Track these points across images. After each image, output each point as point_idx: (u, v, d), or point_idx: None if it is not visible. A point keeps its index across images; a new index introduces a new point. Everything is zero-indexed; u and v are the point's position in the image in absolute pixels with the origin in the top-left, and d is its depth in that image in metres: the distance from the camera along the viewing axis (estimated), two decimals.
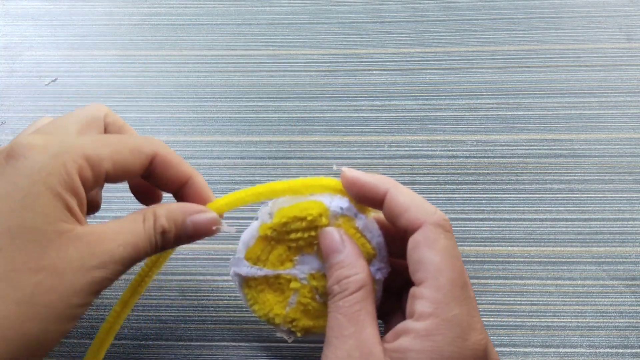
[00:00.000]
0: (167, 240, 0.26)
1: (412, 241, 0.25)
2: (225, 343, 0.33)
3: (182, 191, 0.28)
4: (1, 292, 0.21)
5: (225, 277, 0.35)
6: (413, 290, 0.25)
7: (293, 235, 0.27)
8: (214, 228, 0.27)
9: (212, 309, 0.34)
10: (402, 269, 0.28)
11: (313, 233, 0.27)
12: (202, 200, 0.28)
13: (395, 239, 0.28)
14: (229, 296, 0.35)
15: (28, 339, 0.21)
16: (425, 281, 0.24)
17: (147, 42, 0.46)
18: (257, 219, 0.28)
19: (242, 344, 0.33)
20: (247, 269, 0.28)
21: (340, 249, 0.26)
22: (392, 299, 0.29)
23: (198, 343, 0.33)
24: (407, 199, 0.26)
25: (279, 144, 0.41)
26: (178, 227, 0.26)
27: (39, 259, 0.22)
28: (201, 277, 0.35)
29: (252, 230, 0.28)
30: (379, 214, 0.28)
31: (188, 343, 0.33)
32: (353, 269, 0.26)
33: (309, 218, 0.27)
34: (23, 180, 0.22)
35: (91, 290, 0.23)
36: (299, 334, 0.29)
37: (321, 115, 0.42)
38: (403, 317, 0.27)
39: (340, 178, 0.27)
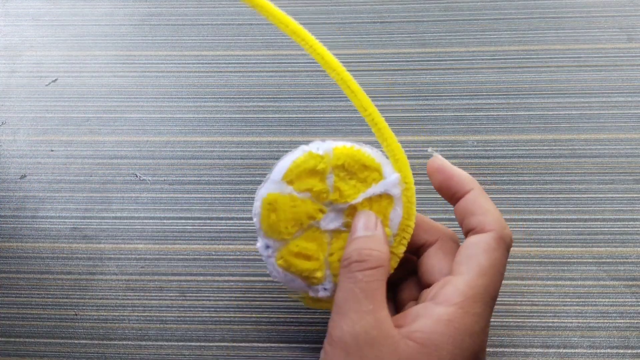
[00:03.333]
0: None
1: (474, 238, 0.26)
2: (226, 344, 0.33)
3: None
4: None
5: (226, 278, 0.35)
6: (448, 278, 0.25)
7: (338, 179, 0.27)
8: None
9: (213, 309, 0.34)
10: (404, 262, 0.29)
11: (362, 188, 0.27)
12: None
13: (413, 240, 0.29)
14: (229, 296, 0.35)
15: None
16: (464, 275, 0.25)
17: (147, 42, 0.46)
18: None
19: (243, 344, 0.33)
20: (281, 187, 0.28)
21: (372, 229, 0.27)
22: (388, 290, 0.30)
23: (198, 343, 0.33)
24: (488, 205, 0.27)
25: (279, 144, 0.41)
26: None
27: None
28: (201, 278, 0.35)
29: (292, 157, 0.28)
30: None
31: (188, 343, 0.33)
32: (378, 246, 0.26)
33: (366, 172, 0.27)
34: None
35: None
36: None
37: (321, 115, 0.42)
38: (394, 308, 0.29)
39: (428, 162, 0.28)
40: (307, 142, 0.35)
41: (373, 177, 0.28)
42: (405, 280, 0.30)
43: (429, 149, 0.29)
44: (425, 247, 0.29)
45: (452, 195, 0.28)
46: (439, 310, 0.24)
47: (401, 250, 0.28)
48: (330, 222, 0.28)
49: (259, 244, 0.28)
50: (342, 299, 0.25)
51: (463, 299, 0.24)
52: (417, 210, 0.28)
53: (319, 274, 0.28)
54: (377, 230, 0.27)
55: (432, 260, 0.28)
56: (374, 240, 0.26)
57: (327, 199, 0.28)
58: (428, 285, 0.27)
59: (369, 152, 0.28)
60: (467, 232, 0.27)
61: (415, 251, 0.29)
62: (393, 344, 0.23)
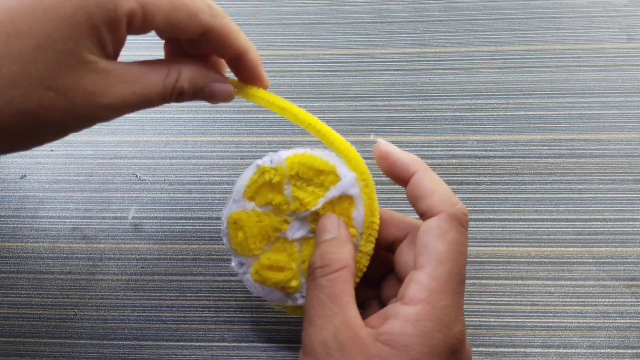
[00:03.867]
0: (180, 100, 0.26)
1: (425, 225, 0.25)
2: (226, 344, 0.33)
3: (233, 63, 0.28)
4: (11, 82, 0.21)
5: (226, 278, 0.35)
6: (411, 274, 0.25)
7: (295, 188, 0.28)
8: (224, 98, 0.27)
9: (212, 309, 0.34)
10: (383, 260, 0.29)
11: (321, 193, 0.28)
12: (251, 76, 0.28)
13: (383, 238, 0.29)
14: (229, 296, 0.35)
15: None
16: (424, 267, 0.24)
17: (147, 42, 0.46)
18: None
19: (243, 344, 0.33)
20: (245, 205, 0.28)
21: (335, 232, 0.27)
22: (370, 289, 0.30)
23: (198, 343, 0.33)
24: (433, 185, 0.26)
25: (279, 144, 0.41)
26: (196, 91, 0.26)
27: (55, 79, 0.22)
28: (201, 278, 0.35)
29: (249, 173, 0.28)
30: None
31: (188, 343, 0.33)
32: (339, 248, 0.26)
33: (322, 176, 0.27)
34: (70, 2, 0.22)
35: (90, 122, 0.24)
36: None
37: (321, 115, 0.42)
38: (379, 307, 0.28)
39: (373, 148, 0.28)
40: (302, 144, 0.35)
41: (330, 180, 0.28)
42: (387, 277, 0.30)
43: (372, 136, 0.29)
44: (397, 242, 0.28)
45: (399, 179, 0.27)
46: (406, 310, 0.24)
47: (369, 247, 0.28)
48: (296, 231, 0.28)
49: (233, 263, 0.29)
50: (310, 306, 0.25)
51: (428, 294, 0.24)
52: (392, 208, 0.28)
53: (294, 283, 0.28)
54: (339, 231, 0.27)
55: (404, 256, 0.27)
56: (335, 242, 0.26)
57: (288, 210, 0.28)
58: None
59: (321, 156, 0.28)
60: (421, 217, 0.26)
61: (389, 247, 0.29)
62: (363, 346, 0.23)
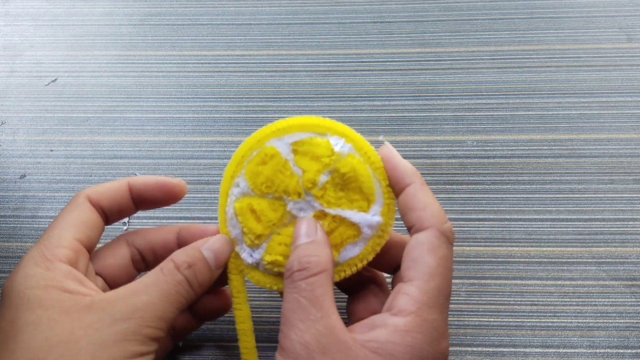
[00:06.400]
0: (200, 274, 0.26)
1: (415, 239, 0.25)
2: (226, 343, 0.33)
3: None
4: None
5: None
6: (400, 286, 0.25)
7: (331, 183, 0.27)
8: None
9: None
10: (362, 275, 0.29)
11: (344, 206, 0.27)
12: (202, 235, 0.29)
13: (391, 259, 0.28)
14: None
15: None
16: (414, 280, 0.24)
17: (147, 42, 0.46)
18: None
19: None
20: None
21: (313, 235, 0.26)
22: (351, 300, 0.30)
23: (199, 343, 0.33)
24: (427, 199, 0.26)
25: None
26: (201, 259, 0.27)
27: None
28: None
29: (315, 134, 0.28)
30: None
31: (189, 343, 0.33)
32: (318, 251, 0.26)
33: (357, 195, 0.27)
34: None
35: None
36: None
37: (321, 115, 0.42)
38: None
39: (378, 150, 0.28)
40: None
41: (360, 204, 0.27)
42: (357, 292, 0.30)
43: (380, 137, 0.29)
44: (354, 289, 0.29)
45: (394, 187, 0.27)
46: (395, 321, 0.24)
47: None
48: (299, 210, 0.27)
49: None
50: (289, 309, 0.24)
51: (418, 307, 0.24)
52: None
53: (256, 241, 0.27)
54: (317, 235, 0.26)
55: (405, 261, 0.27)
56: (314, 245, 0.26)
57: (310, 190, 0.27)
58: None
59: (373, 181, 0.27)
60: (409, 229, 0.27)
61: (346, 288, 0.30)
62: (346, 350, 0.23)
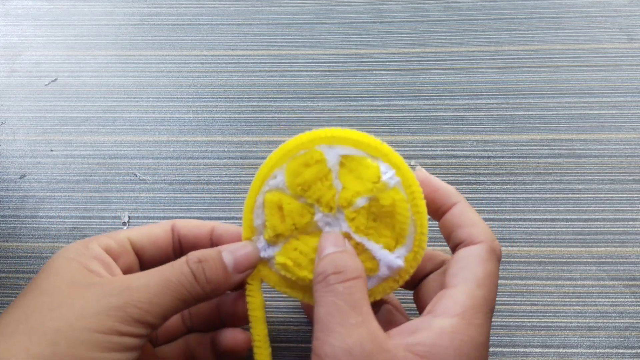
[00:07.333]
0: (210, 270, 0.26)
1: (464, 251, 0.25)
2: None
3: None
4: None
5: None
6: (444, 291, 0.24)
7: (366, 209, 0.26)
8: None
9: None
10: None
11: (371, 236, 0.27)
12: (234, 238, 0.29)
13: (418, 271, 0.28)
14: None
15: None
16: (460, 285, 0.24)
17: (147, 42, 0.46)
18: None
19: None
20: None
21: (342, 246, 0.26)
22: None
23: None
24: (476, 217, 0.27)
25: (278, 144, 0.40)
26: (214, 258, 0.26)
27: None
28: None
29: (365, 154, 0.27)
30: None
31: None
32: (352, 258, 0.25)
33: (387, 232, 0.27)
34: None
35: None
36: None
37: (321, 115, 0.42)
38: None
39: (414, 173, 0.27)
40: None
41: (387, 241, 0.26)
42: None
43: (412, 162, 0.28)
44: (425, 277, 0.29)
45: (437, 208, 0.27)
46: (440, 322, 0.23)
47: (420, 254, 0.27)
48: (325, 223, 0.27)
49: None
50: (325, 314, 0.23)
51: (464, 310, 0.23)
52: None
53: (274, 239, 0.27)
54: (346, 247, 0.26)
55: (432, 282, 0.28)
56: (347, 254, 0.25)
57: (344, 208, 0.27)
58: None
59: (409, 224, 0.26)
60: (456, 246, 0.26)
61: (418, 282, 0.29)
62: (391, 358, 0.22)
